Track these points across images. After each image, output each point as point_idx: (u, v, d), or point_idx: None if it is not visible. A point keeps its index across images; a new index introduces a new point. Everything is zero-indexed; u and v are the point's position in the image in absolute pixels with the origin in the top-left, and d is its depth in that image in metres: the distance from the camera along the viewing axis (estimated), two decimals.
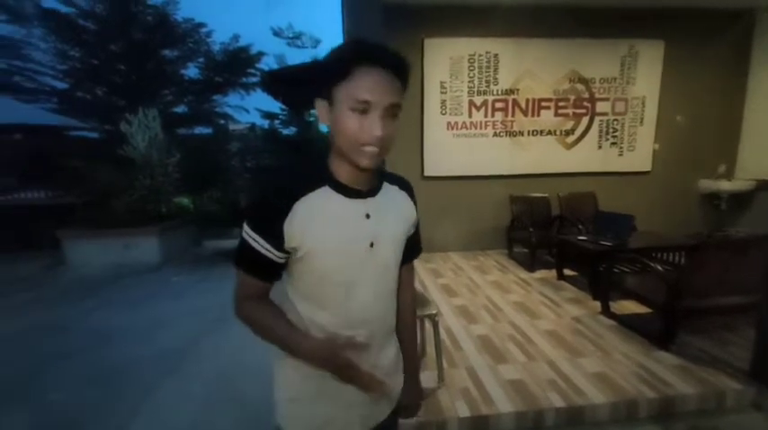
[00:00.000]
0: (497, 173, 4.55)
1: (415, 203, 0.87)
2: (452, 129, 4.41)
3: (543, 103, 4.48)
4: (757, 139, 4.65)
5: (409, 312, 0.95)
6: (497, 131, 4.47)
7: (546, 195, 4.42)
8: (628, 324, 2.63)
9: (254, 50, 8.60)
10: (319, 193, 0.72)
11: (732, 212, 4.77)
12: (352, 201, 0.74)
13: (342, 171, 0.73)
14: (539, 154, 4.57)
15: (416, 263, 0.98)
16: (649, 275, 2.64)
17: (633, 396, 1.91)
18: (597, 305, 2.92)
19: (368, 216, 0.74)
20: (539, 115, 4.50)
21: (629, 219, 3.19)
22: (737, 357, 2.20)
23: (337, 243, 0.72)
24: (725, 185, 4.61)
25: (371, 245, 0.74)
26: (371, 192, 0.76)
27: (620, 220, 3.25)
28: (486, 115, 4.43)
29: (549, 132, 4.55)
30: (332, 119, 0.69)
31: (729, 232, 4.74)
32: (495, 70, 4.35)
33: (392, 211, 0.80)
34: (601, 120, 4.59)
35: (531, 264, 3.88)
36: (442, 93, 4.33)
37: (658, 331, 2.37)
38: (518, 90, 4.42)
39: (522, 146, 4.53)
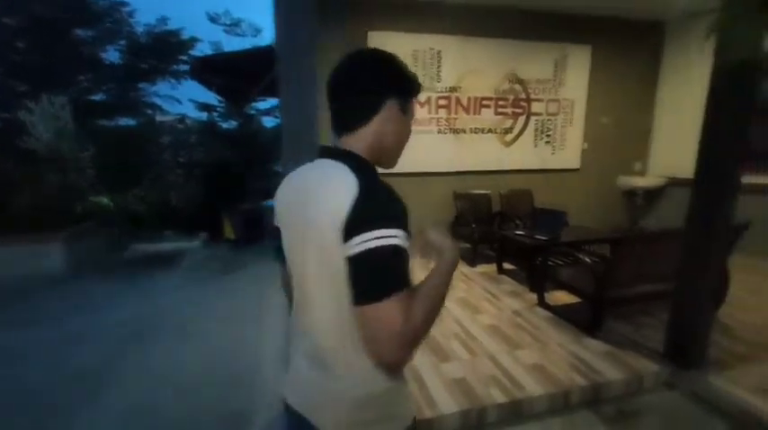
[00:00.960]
0: (442, 170, 4.60)
1: None
2: None
3: (484, 102, 4.61)
4: (665, 141, 5.19)
5: None
6: (441, 128, 4.52)
7: (488, 192, 4.56)
8: (561, 314, 2.77)
9: (186, 35, 7.94)
10: None
11: (647, 206, 5.29)
12: None
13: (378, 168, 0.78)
14: (480, 151, 4.70)
15: None
16: (579, 267, 2.80)
17: (567, 385, 1.99)
18: (534, 297, 3.06)
19: None
20: (480, 113, 4.62)
21: (562, 215, 3.38)
22: (653, 339, 2.40)
23: None
24: (640, 182, 5.09)
25: None
26: None
27: (554, 216, 3.43)
28: (430, 112, 4.45)
29: (490, 130, 4.70)
30: (400, 125, 0.76)
31: (644, 225, 5.26)
32: (439, 67, 4.38)
33: None
34: (536, 120, 4.83)
35: (473, 259, 3.99)
36: None
37: (588, 320, 2.52)
38: (461, 88, 4.49)
39: (465, 143, 4.63)
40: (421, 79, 3.02)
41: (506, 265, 3.77)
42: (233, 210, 5.60)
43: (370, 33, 4.11)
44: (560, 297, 3.02)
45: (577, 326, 2.59)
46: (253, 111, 7.32)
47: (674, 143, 5.07)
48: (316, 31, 3.86)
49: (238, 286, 3.88)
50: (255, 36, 13.12)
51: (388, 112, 0.74)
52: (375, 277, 0.62)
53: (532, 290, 3.23)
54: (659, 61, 5.12)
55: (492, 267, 3.86)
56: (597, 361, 2.21)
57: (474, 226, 3.93)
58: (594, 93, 4.95)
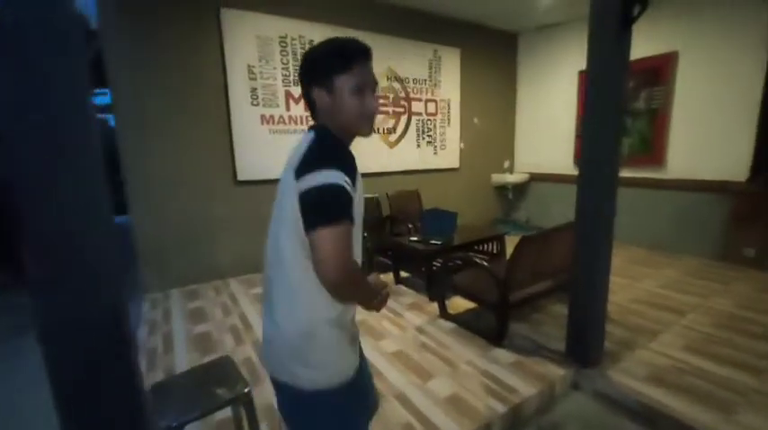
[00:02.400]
0: None
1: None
2: (268, 123, 3.72)
3: None
4: (525, 140, 5.73)
5: None
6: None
7: (376, 195, 4.26)
8: (465, 324, 2.58)
9: None
10: None
11: (516, 200, 5.76)
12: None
13: (347, 141, 0.90)
14: (365, 152, 4.36)
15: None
16: (476, 271, 2.65)
17: (488, 417, 1.73)
18: (435, 308, 2.82)
19: None
20: None
21: (453, 216, 3.25)
22: (553, 337, 2.37)
23: (360, 194, 0.86)
24: (509, 178, 5.50)
25: None
26: None
27: (445, 218, 3.28)
28: (306, 109, 3.91)
29: (373, 130, 4.40)
30: (333, 103, 0.84)
31: (516, 217, 5.71)
32: None
33: None
34: (417, 120, 4.75)
35: (368, 272, 3.60)
36: (251, 79, 3.58)
37: (492, 328, 2.36)
38: None
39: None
40: (293, 70, 3.11)
41: (403, 273, 3.49)
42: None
43: (223, 11, 3.36)
44: (460, 303, 2.85)
45: (483, 335, 2.42)
46: None
47: (533, 142, 5.61)
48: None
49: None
50: None
51: (319, 99, 0.86)
52: (316, 209, 0.75)
53: (432, 299, 3.01)
54: (515, 68, 5.62)
55: (389, 277, 3.55)
56: (509, 375, 2.03)
57: (365, 234, 3.54)
58: (466, 94, 5.13)
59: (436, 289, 2.89)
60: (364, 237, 3.29)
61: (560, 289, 2.57)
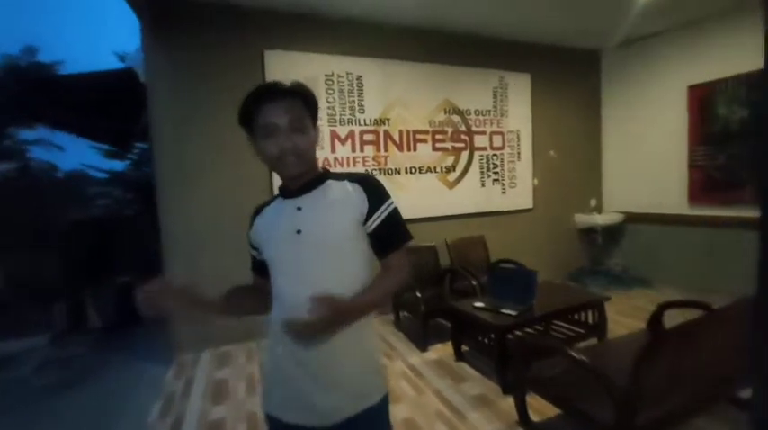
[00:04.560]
0: None
1: (370, 193, 0.91)
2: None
3: (419, 136, 3.82)
4: (616, 172, 4.76)
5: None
6: (369, 169, 3.62)
7: (432, 244, 3.65)
8: None
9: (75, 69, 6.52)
10: (274, 204, 0.96)
11: (607, 245, 4.72)
12: (288, 200, 0.92)
13: (284, 181, 0.93)
14: (420, 194, 3.84)
15: None
16: (570, 364, 1.86)
17: None
18: (510, 406, 2.05)
19: (299, 208, 0.89)
20: (415, 149, 3.81)
21: (532, 278, 2.50)
22: None
23: (270, 233, 0.92)
24: (598, 219, 4.53)
25: (298, 232, 0.87)
26: (306, 187, 0.90)
27: (521, 279, 2.55)
28: (353, 149, 3.55)
29: (429, 169, 3.89)
30: (257, 149, 0.88)
31: (610, 266, 4.65)
32: (360, 95, 3.55)
33: (326, 202, 0.90)
34: (481, 156, 4.13)
35: (423, 340, 2.95)
36: None
37: None
38: (389, 120, 3.68)
39: (401, 185, 3.76)
40: (339, 109, 3.26)
41: (465, 346, 2.77)
42: (99, 287, 4.13)
43: (267, 53, 3.19)
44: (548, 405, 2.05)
45: None
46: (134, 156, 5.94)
47: (626, 176, 4.63)
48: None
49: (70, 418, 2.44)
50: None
51: (251, 144, 0.92)
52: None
53: (505, 390, 2.25)
54: (599, 91, 4.80)
55: (448, 348, 2.85)
56: None
57: (419, 294, 2.93)
58: (539, 124, 4.43)
59: (515, 386, 2.12)
60: (417, 297, 2.65)
61: (730, 402, 1.67)
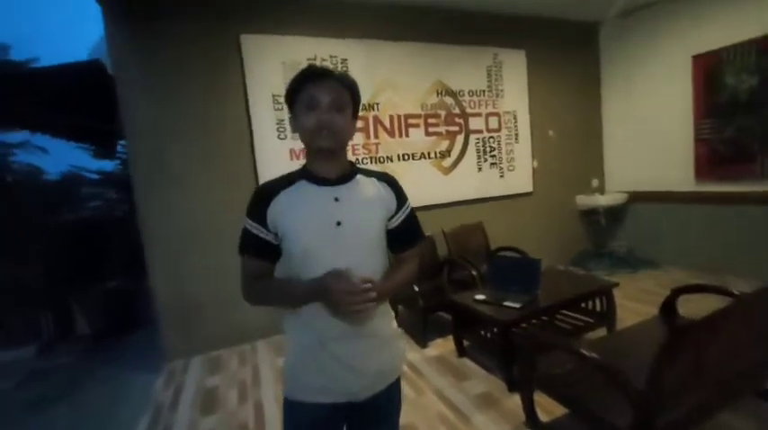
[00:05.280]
0: None
1: (397, 193, 0.99)
2: (299, 158, 3.21)
3: (411, 121, 3.62)
4: (618, 151, 4.58)
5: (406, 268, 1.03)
6: (359, 157, 3.43)
7: (429, 234, 3.48)
8: None
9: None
10: (296, 186, 0.91)
11: (611, 226, 4.56)
12: (322, 188, 0.91)
13: (314, 165, 0.93)
14: (414, 182, 3.65)
15: None
16: (577, 361, 1.72)
17: None
18: (517, 404, 1.92)
19: (336, 199, 0.90)
20: (407, 135, 3.62)
21: (535, 266, 2.35)
22: None
23: (306, 221, 0.88)
24: (600, 200, 4.36)
25: (338, 223, 0.88)
26: (341, 179, 0.93)
27: (524, 268, 2.40)
28: None
29: (423, 155, 3.70)
30: (295, 123, 0.92)
31: (614, 248, 4.50)
32: None
33: (363, 197, 0.94)
34: (476, 139, 3.94)
35: (422, 336, 2.81)
36: (277, 110, 3.12)
37: None
38: (378, 105, 3.47)
39: (394, 174, 3.55)
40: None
41: (467, 340, 2.63)
42: (86, 293, 3.98)
43: (243, 37, 2.97)
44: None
45: None
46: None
47: (628, 154, 4.45)
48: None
49: None
50: None
51: (290, 125, 0.97)
52: None
53: (511, 387, 2.11)
54: (598, 66, 4.58)
55: (449, 344, 2.71)
56: None
57: (416, 287, 2.77)
58: (536, 103, 4.22)
59: (521, 385, 1.98)
60: (414, 291, 2.51)
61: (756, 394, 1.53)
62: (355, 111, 0.93)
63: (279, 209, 0.89)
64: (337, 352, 0.89)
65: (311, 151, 0.92)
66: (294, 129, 0.92)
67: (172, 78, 2.84)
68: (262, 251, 0.92)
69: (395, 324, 1.04)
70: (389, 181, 1.00)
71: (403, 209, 1.00)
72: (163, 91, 2.83)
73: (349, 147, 3.40)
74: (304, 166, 0.95)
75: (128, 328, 3.90)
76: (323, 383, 0.91)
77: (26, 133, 6.35)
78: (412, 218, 1.02)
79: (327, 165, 0.91)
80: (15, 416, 2.49)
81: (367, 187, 0.95)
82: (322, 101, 0.86)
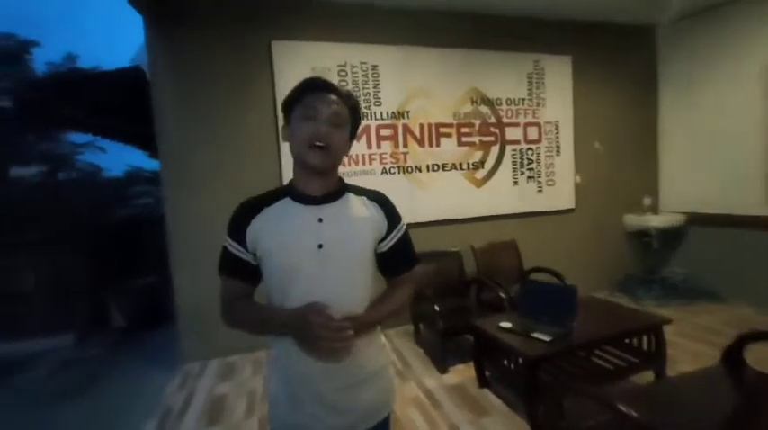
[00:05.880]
0: None
1: (389, 214, 0.93)
2: None
3: (443, 129, 3.46)
4: (676, 167, 4.12)
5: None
6: (387, 167, 3.31)
7: (456, 249, 3.29)
8: None
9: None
10: (280, 204, 0.87)
11: (664, 250, 4.10)
12: (307, 207, 0.86)
13: (300, 181, 0.87)
14: (443, 194, 3.48)
15: None
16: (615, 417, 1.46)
17: None
18: None
19: (320, 220, 0.85)
20: (438, 145, 3.45)
21: (570, 296, 2.09)
22: None
23: (287, 242, 0.83)
24: (653, 221, 3.94)
25: (320, 246, 0.83)
26: (328, 198, 0.87)
27: (558, 295, 2.14)
28: (369, 146, 3.26)
29: (454, 166, 3.51)
30: (289, 133, 0.86)
31: (664, 274, 4.04)
32: (376, 86, 3.25)
33: (349, 217, 0.88)
34: (513, 150, 3.70)
35: (442, 361, 2.61)
36: None
37: None
38: (408, 113, 3.35)
39: (422, 185, 3.42)
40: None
41: (489, 371, 2.40)
42: (121, 289, 4.15)
43: (274, 44, 2.97)
44: None
45: None
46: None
47: (688, 171, 3.99)
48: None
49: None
50: None
51: (283, 134, 0.91)
52: None
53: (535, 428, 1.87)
54: (655, 73, 4.17)
55: (470, 371, 2.49)
56: None
57: (438, 309, 2.59)
58: (582, 113, 3.90)
59: (544, 419, 1.75)
60: (435, 311, 2.32)
61: None
62: (353, 132, 0.89)
63: (259, 227, 0.85)
64: (316, 388, 0.84)
65: (300, 166, 0.86)
66: (286, 139, 0.87)
67: (203, 83, 2.89)
68: (240, 272, 0.88)
69: (384, 355, 0.96)
70: (381, 200, 0.94)
71: (396, 230, 0.94)
72: (194, 95, 2.88)
73: (376, 157, 3.34)
74: (290, 182, 0.90)
75: (157, 324, 4.01)
76: (299, 420, 0.85)
77: (88, 135, 6.88)
78: (405, 240, 0.96)
79: (315, 183, 0.86)
80: (40, 405, 2.58)
81: (356, 207, 0.89)
82: (322, 112, 0.82)
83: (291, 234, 0.84)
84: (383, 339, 0.97)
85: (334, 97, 0.84)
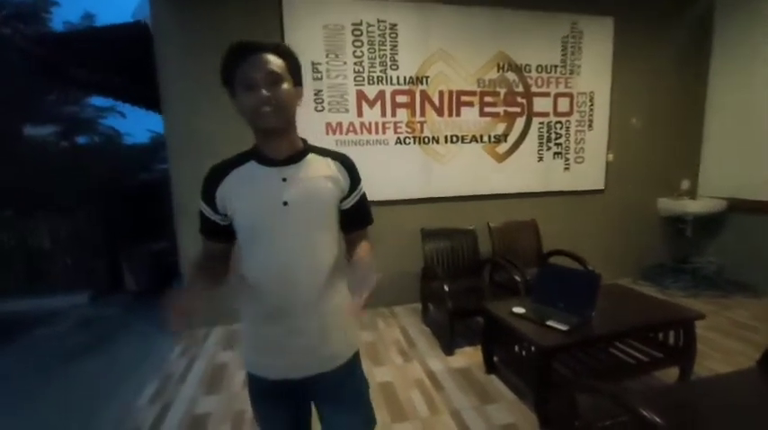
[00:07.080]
0: (404, 196, 3.17)
1: (351, 174, 0.97)
2: (335, 133, 2.97)
3: (464, 98, 3.20)
4: (721, 149, 3.73)
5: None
6: (402, 137, 3.11)
7: (471, 227, 3.10)
8: None
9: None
10: (246, 167, 0.90)
11: (699, 238, 3.79)
12: (271, 168, 0.89)
13: (262, 144, 0.90)
14: (461, 168, 3.27)
15: None
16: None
17: None
18: None
19: (284, 179, 0.88)
20: (459, 114, 3.21)
21: (593, 283, 1.90)
22: None
23: (253, 201, 0.88)
24: (691, 206, 3.62)
25: (285, 203, 0.87)
26: (291, 159, 0.90)
27: (579, 283, 1.95)
28: (383, 113, 3.05)
29: (474, 138, 3.27)
30: (238, 105, 0.86)
31: (697, 263, 3.75)
32: (394, 48, 2.99)
33: (312, 176, 0.91)
34: (540, 123, 3.41)
35: (449, 341, 2.50)
36: (315, 79, 2.89)
37: None
38: (427, 78, 3.09)
39: (439, 157, 3.21)
40: (368, 65, 2.75)
41: (498, 357, 2.27)
42: (134, 253, 4.19)
43: (285, 1, 2.75)
44: None
45: None
46: None
47: (735, 154, 3.60)
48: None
49: (93, 374, 2.41)
50: None
51: (233, 103, 0.89)
52: None
53: (543, 426, 1.75)
54: (709, 40, 3.71)
55: (476, 354, 2.37)
56: None
57: (446, 288, 2.45)
58: (621, 84, 3.54)
59: (555, 414, 1.62)
60: (444, 292, 2.18)
61: None
62: (297, 77, 0.88)
63: (227, 188, 0.89)
64: (266, 330, 0.93)
65: (257, 131, 0.89)
66: (237, 111, 0.87)
67: (209, 39, 2.71)
68: (212, 232, 0.95)
69: (339, 300, 0.96)
70: (344, 161, 0.98)
71: (356, 191, 0.99)
72: (199, 52, 2.71)
73: (390, 125, 3.13)
74: (254, 145, 0.93)
75: (168, 288, 4.05)
76: (256, 358, 0.96)
77: (108, 99, 6.84)
78: (364, 201, 1.02)
79: (275, 145, 0.89)
80: (55, 364, 2.63)
81: (319, 166, 0.93)
82: (258, 78, 0.82)
83: (257, 193, 0.88)
84: (343, 289, 0.98)
85: (264, 56, 0.83)
